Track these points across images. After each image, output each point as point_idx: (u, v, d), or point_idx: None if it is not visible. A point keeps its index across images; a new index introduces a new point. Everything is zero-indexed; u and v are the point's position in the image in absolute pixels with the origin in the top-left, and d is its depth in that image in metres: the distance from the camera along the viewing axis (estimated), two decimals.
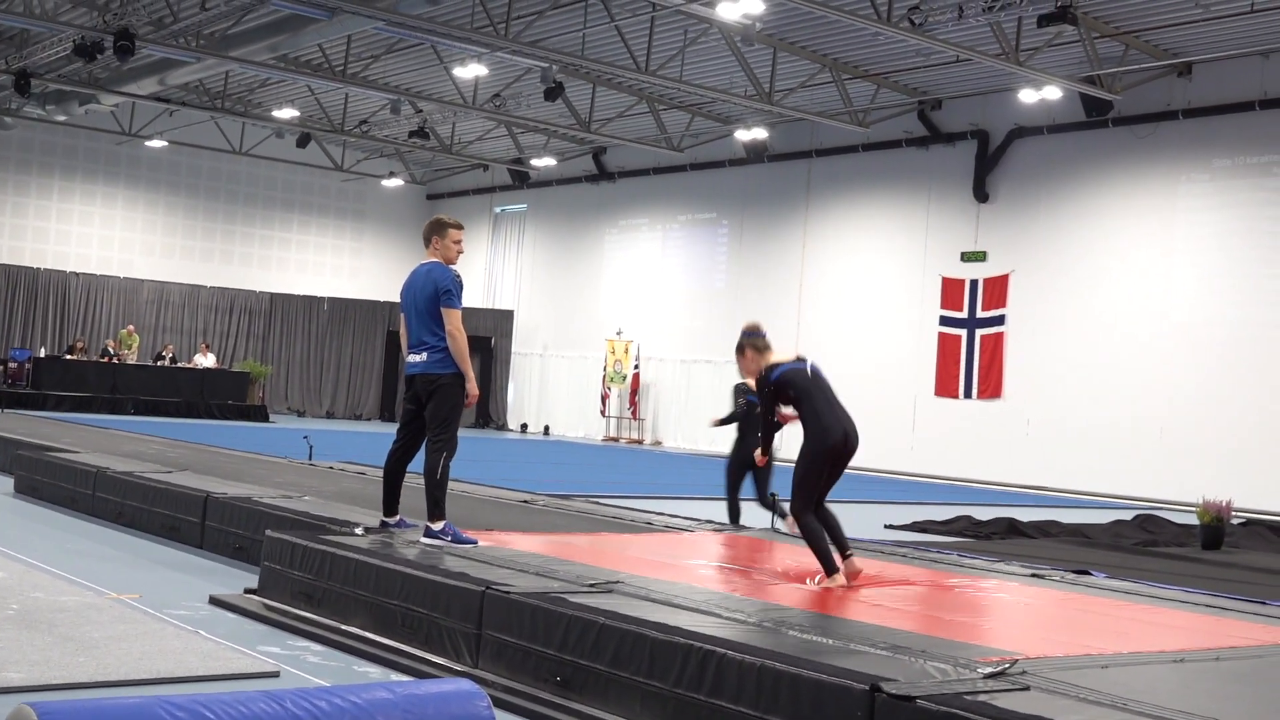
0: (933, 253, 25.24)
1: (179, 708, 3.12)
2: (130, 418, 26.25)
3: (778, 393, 7.22)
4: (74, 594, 7.07)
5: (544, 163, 32.63)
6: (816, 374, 7.25)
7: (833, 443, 7.02)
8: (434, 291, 7.72)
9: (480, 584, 5.98)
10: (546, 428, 33.38)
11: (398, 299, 8.23)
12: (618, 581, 6.28)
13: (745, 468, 10.25)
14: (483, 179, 36.50)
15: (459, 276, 7.89)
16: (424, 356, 7.76)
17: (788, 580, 7.23)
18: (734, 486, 10.55)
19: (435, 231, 7.98)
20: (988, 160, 24.53)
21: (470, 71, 24.18)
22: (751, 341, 7.40)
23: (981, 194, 24.58)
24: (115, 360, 29.85)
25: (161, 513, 9.92)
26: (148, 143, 32.66)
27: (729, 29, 20.86)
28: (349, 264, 37.26)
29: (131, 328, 31.36)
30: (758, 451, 7.85)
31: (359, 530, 7.81)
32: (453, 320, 7.71)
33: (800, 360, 7.30)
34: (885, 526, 13.53)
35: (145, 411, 28.24)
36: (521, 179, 34.63)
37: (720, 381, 29.16)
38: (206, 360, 31.60)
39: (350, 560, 6.78)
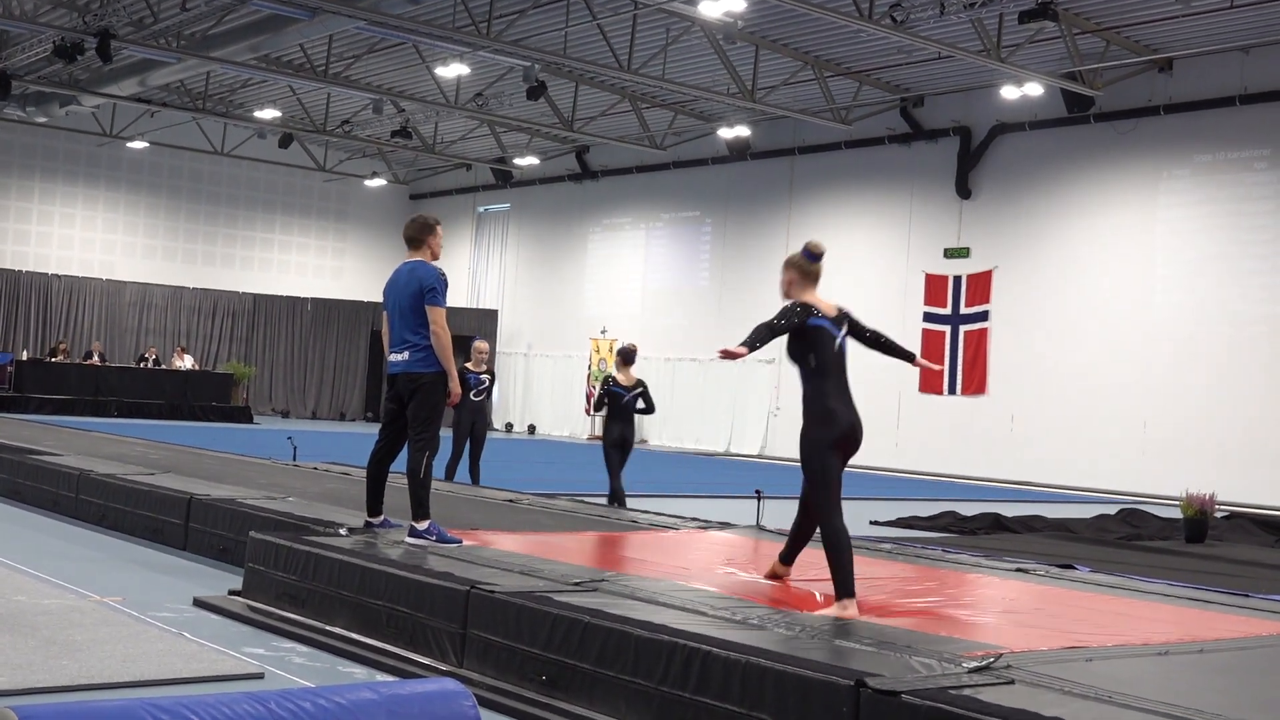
0: (916, 249, 25.29)
1: (163, 710, 3.10)
2: (114, 420, 26.16)
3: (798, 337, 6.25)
4: (57, 597, 7.04)
5: (527, 162, 32.61)
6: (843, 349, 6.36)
7: (840, 433, 6.21)
8: (418, 289, 7.66)
9: (465, 583, 5.96)
10: (532, 427, 33.35)
11: (381, 299, 8.19)
12: (603, 580, 6.27)
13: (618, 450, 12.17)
14: (465, 178, 36.45)
15: (444, 274, 7.84)
16: (406, 355, 7.72)
17: (773, 578, 7.23)
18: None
19: (426, 232, 7.91)
20: (970, 157, 24.59)
21: (452, 71, 24.15)
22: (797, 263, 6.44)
23: (964, 190, 24.63)
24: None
25: (145, 515, 9.87)
26: (129, 144, 32.55)
27: (711, 27, 20.87)
28: (332, 264, 37.19)
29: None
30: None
31: (343, 531, 7.79)
32: (437, 318, 7.66)
33: (834, 323, 6.33)
34: (870, 523, 13.56)
35: (129, 414, 28.14)
36: (504, 178, 34.60)
37: (705, 379, 29.20)
38: (184, 363, 31.49)
39: (334, 561, 6.76)
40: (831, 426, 6.21)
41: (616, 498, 12.16)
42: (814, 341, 6.23)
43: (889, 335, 6.66)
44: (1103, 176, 22.75)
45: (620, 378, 12.26)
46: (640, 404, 12.19)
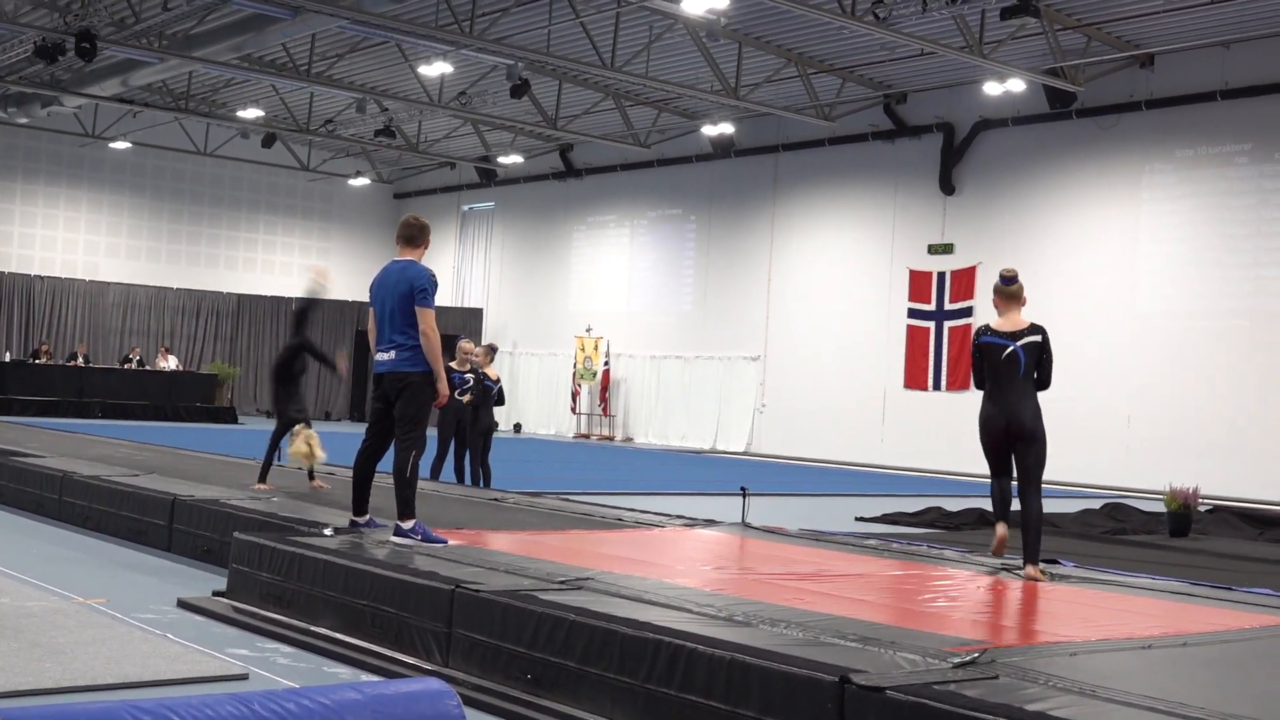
0: (900, 245, 25.33)
1: (146, 712, 3.10)
2: (98, 421, 26.06)
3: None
4: (40, 599, 7.01)
5: (511, 160, 32.58)
6: (1014, 357, 7.47)
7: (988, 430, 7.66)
8: (409, 289, 7.65)
9: (450, 583, 5.96)
10: (517, 425, 33.32)
11: (366, 298, 8.17)
12: (588, 578, 6.27)
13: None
14: (450, 177, 36.40)
15: (434, 275, 7.84)
16: (393, 355, 7.71)
17: (757, 574, 7.24)
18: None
19: (425, 232, 7.97)
20: (953, 153, 24.64)
21: (435, 69, 24.10)
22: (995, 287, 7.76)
23: (948, 186, 24.68)
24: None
25: (128, 516, 9.84)
26: (111, 144, 32.42)
27: (694, 24, 20.86)
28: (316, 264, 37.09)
29: None
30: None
31: (328, 531, 7.77)
32: (427, 319, 7.65)
33: (1008, 336, 7.52)
34: (856, 519, 13.59)
35: (112, 415, 28.03)
36: (489, 177, 34.56)
37: (690, 377, 29.20)
38: (168, 364, 31.39)
39: (319, 561, 6.75)
40: (982, 426, 7.71)
41: (483, 478, 13.42)
42: (983, 356, 7.64)
43: (1047, 372, 7.67)
44: (1085, 172, 22.82)
45: (489, 373, 13.74)
46: (497, 396, 13.83)
